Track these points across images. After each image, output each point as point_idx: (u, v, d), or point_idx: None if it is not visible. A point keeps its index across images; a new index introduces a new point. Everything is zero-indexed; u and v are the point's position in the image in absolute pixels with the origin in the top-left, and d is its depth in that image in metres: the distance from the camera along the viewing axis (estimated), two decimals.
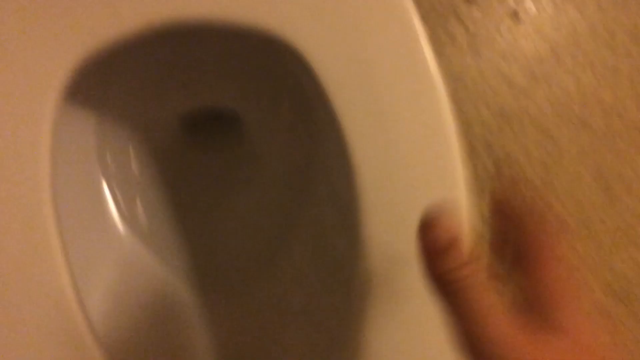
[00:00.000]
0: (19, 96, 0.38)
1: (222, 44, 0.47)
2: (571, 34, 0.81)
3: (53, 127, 0.38)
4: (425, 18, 0.77)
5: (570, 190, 0.80)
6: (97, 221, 0.46)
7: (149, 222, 0.50)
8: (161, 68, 0.50)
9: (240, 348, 0.48)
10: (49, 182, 0.40)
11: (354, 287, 0.42)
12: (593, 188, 0.81)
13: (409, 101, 0.42)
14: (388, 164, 0.42)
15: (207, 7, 0.38)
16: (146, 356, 0.46)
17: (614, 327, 0.80)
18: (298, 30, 0.39)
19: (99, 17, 0.38)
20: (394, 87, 0.42)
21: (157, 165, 0.51)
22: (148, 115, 0.50)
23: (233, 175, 0.55)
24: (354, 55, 0.41)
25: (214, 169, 0.55)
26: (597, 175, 0.81)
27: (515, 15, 0.80)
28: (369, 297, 0.41)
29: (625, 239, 0.81)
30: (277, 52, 0.42)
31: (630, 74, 0.81)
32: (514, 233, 0.33)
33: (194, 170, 0.54)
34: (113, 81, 0.46)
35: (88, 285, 0.42)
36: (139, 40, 0.40)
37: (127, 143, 0.49)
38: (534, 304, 0.31)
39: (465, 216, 0.43)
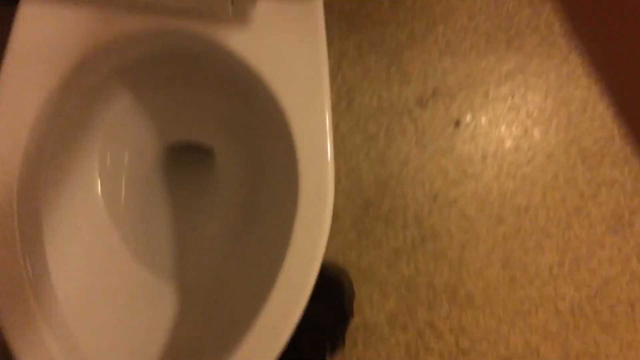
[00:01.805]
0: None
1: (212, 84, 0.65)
2: (499, 147, 1.00)
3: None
4: (385, 112, 0.98)
5: (481, 272, 0.96)
6: (83, 194, 0.62)
7: (126, 211, 0.65)
8: (167, 105, 0.68)
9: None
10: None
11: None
12: (500, 274, 0.96)
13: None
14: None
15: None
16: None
17: None
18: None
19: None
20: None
21: (144, 177, 0.68)
22: (145, 136, 0.68)
23: (201, 194, 0.72)
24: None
25: (187, 185, 0.72)
26: (505, 264, 0.97)
27: (457, 123, 1.00)
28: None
29: (522, 322, 0.96)
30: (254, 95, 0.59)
31: (544, 187, 0.99)
32: None
33: (172, 182, 0.70)
34: (132, 92, 0.64)
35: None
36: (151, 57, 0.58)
37: (125, 150, 0.66)
38: None
39: None
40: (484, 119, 1.00)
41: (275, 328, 0.55)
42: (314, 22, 0.57)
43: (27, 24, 0.53)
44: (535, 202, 0.99)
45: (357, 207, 0.96)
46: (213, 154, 0.71)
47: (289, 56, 0.57)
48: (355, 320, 0.93)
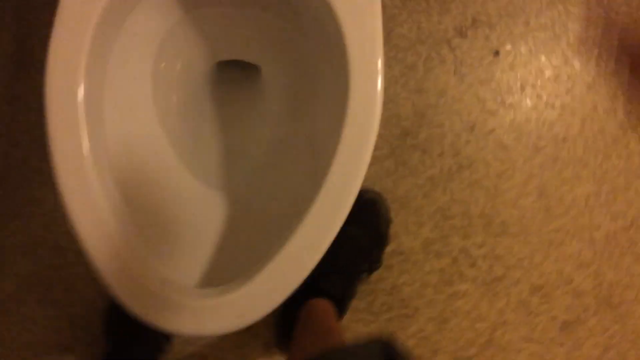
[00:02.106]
0: None
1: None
2: (538, 76, 0.99)
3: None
4: (423, 42, 0.98)
5: (517, 201, 0.97)
6: (138, 96, 0.64)
7: (176, 119, 0.68)
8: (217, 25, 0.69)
9: None
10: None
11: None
12: (536, 204, 0.97)
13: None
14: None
15: None
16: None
17: (530, 316, 0.95)
18: None
19: None
20: None
21: (194, 89, 0.70)
22: (196, 52, 0.69)
23: (249, 103, 0.73)
24: None
25: (235, 99, 0.74)
26: (541, 193, 0.97)
27: (496, 53, 0.99)
28: None
29: (556, 251, 0.97)
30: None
31: (583, 117, 0.99)
32: None
33: (220, 96, 0.72)
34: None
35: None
36: None
37: (177, 61, 0.68)
38: None
39: None
40: (523, 49, 0.99)
41: (321, 227, 0.56)
42: None
43: None
44: (573, 133, 0.98)
45: (394, 136, 0.97)
46: (260, 70, 0.73)
47: None
48: (391, 246, 0.95)
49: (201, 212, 0.70)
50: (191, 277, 0.63)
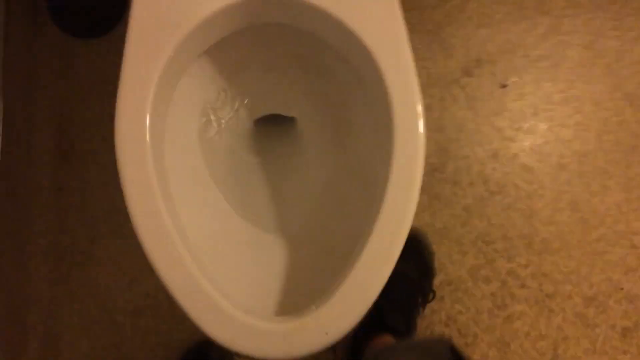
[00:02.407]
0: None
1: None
2: (547, 101, 1.05)
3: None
4: (435, 85, 1.05)
5: (552, 218, 1.00)
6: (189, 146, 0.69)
7: (225, 174, 0.72)
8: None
9: None
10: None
11: None
12: (571, 218, 1.00)
13: None
14: None
15: None
16: None
17: (589, 328, 0.95)
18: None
19: None
20: None
21: (237, 145, 0.76)
22: (237, 112, 0.76)
23: (290, 150, 0.78)
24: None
25: (276, 149, 0.79)
26: (574, 207, 1.00)
27: (504, 85, 1.06)
28: None
29: (600, 260, 0.98)
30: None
31: (597, 131, 1.04)
32: None
33: (262, 148, 0.77)
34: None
35: None
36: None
37: (222, 120, 0.74)
38: None
39: None
40: (528, 78, 1.06)
41: (377, 263, 0.59)
42: None
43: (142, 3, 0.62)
44: (591, 147, 1.03)
45: (424, 174, 1.01)
46: (296, 120, 0.79)
47: (366, 3, 0.64)
48: (439, 277, 0.96)
49: (263, 254, 0.73)
50: (265, 309, 0.65)
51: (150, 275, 0.95)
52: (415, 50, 1.08)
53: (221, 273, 0.65)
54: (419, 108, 0.63)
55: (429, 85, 1.06)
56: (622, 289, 0.97)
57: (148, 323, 0.94)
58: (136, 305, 0.94)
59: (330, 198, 0.76)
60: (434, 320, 0.95)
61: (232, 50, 0.73)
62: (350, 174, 0.76)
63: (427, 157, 1.01)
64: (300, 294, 0.67)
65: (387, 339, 0.82)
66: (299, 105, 0.80)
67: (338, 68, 0.73)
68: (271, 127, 0.81)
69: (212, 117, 0.76)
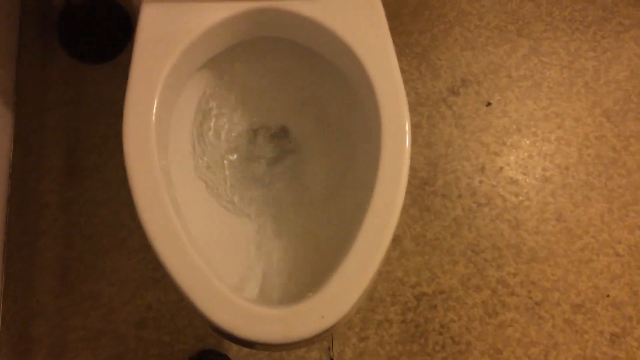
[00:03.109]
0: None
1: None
2: (530, 117, 1.11)
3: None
4: (423, 104, 1.11)
5: (538, 228, 1.04)
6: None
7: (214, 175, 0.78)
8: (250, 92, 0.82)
9: None
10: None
11: None
12: (556, 228, 1.04)
13: None
14: None
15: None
16: None
17: (578, 334, 0.98)
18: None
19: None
20: None
21: (238, 150, 0.81)
22: (233, 120, 0.81)
23: (289, 158, 0.83)
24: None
25: (272, 156, 0.84)
26: (559, 218, 1.05)
27: (488, 104, 1.12)
28: None
29: (586, 268, 1.02)
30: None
31: (578, 146, 1.09)
32: None
33: (260, 155, 0.82)
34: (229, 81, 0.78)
35: None
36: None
37: (221, 130, 0.79)
38: None
39: None
40: (512, 97, 1.12)
41: (367, 255, 0.63)
42: None
43: (148, 19, 0.68)
44: (573, 160, 1.09)
45: (414, 187, 1.06)
46: (289, 129, 0.84)
47: (356, 17, 0.70)
48: (432, 287, 1.00)
49: (262, 250, 0.77)
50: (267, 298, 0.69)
51: (152, 288, 0.98)
52: (404, 71, 1.15)
53: (224, 266, 0.69)
54: (405, 109, 0.69)
55: (418, 104, 1.12)
56: (608, 295, 1.01)
57: (150, 335, 0.96)
58: (139, 317, 0.97)
59: (325, 197, 0.81)
60: (428, 328, 0.98)
61: (230, 62, 0.79)
62: (343, 176, 0.81)
63: (418, 171, 1.07)
64: (298, 283, 0.71)
65: None
66: (295, 115, 0.86)
67: (332, 79, 0.78)
68: (267, 135, 0.86)
69: (211, 125, 0.81)
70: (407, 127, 0.73)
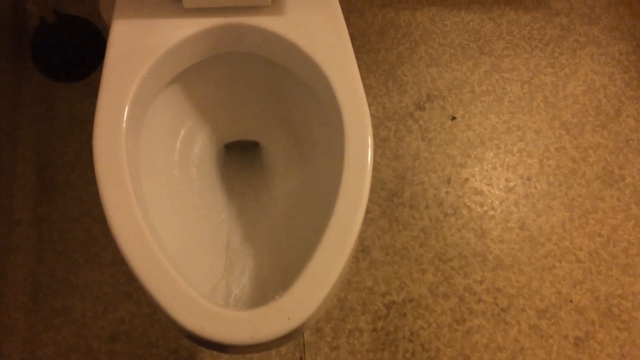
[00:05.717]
0: None
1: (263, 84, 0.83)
2: (493, 130, 1.15)
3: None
4: (390, 118, 1.15)
5: (502, 237, 1.07)
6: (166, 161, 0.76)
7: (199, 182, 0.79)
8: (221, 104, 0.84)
9: None
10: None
11: None
12: (520, 236, 1.08)
13: None
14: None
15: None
16: None
17: (543, 339, 1.00)
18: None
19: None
20: None
21: (208, 166, 0.83)
22: (208, 136, 0.83)
23: (257, 171, 0.85)
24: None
25: (245, 169, 0.86)
26: (522, 226, 1.08)
27: (453, 118, 1.16)
28: None
29: (549, 275, 1.05)
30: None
31: (539, 157, 1.14)
32: None
33: (230, 168, 0.85)
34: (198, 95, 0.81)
35: None
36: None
37: (194, 145, 0.82)
38: None
39: None
40: (475, 111, 1.17)
41: (330, 259, 0.65)
42: (331, 3, 0.75)
43: (118, 34, 0.71)
44: (535, 171, 1.13)
45: (382, 198, 1.09)
46: (259, 144, 0.87)
47: (319, 31, 0.74)
48: (401, 295, 1.02)
49: (233, 257, 0.79)
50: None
51: (125, 301, 0.99)
52: (371, 87, 1.19)
53: (195, 273, 0.70)
54: (367, 121, 0.71)
55: (385, 119, 1.15)
56: (571, 301, 1.04)
57: (123, 348, 0.97)
58: (111, 331, 0.97)
59: (293, 206, 0.83)
60: (398, 336, 1.00)
61: (200, 78, 0.82)
62: (310, 186, 0.83)
63: (386, 183, 1.10)
64: (267, 289, 0.73)
65: None
66: (264, 128, 0.88)
67: (299, 92, 0.81)
68: (239, 149, 0.89)
69: (181, 138, 0.83)
70: (370, 140, 0.73)
